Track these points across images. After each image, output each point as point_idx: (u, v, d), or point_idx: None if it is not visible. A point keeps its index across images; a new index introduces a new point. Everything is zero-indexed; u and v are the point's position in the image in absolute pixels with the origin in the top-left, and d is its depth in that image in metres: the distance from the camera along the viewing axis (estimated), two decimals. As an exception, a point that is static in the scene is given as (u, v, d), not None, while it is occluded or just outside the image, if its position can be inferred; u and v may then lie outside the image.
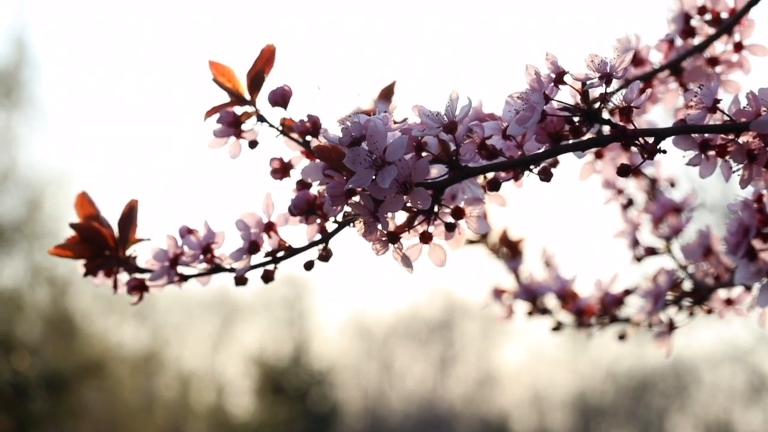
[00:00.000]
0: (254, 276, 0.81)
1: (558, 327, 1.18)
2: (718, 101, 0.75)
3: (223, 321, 13.21)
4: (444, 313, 15.08)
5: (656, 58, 0.99)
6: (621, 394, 14.18)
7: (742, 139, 0.76)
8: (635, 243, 1.12)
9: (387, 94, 1.02)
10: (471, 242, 1.27)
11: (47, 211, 9.35)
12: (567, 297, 1.17)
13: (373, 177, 0.71)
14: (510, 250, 1.26)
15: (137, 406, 11.02)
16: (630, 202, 1.15)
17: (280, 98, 0.81)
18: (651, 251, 1.11)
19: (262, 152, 0.84)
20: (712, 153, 0.76)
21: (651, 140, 0.75)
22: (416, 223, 0.75)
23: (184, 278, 0.82)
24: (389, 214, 0.74)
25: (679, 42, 0.98)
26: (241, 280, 0.80)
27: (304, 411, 12.26)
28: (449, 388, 15.01)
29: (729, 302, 1.04)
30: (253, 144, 0.84)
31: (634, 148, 0.99)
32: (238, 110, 0.84)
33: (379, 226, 0.74)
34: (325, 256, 0.80)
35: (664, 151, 0.75)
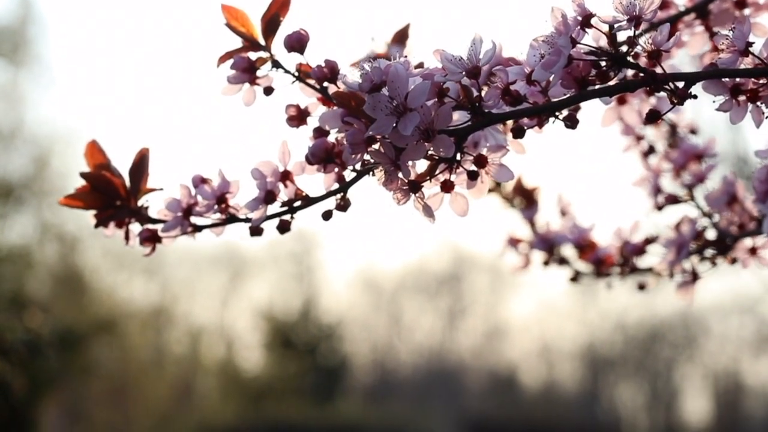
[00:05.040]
0: (267, 227, 0.78)
1: (576, 277, 1.15)
2: (750, 44, 0.72)
3: (231, 276, 13.25)
4: (452, 266, 15.11)
5: (682, 1, 0.96)
6: (630, 345, 14.23)
7: (774, 83, 0.73)
8: (657, 191, 1.08)
9: (401, 37, 0.99)
10: None
11: (55, 169, 9.34)
12: (585, 246, 1.14)
13: (395, 124, 0.69)
14: (525, 200, 1.23)
15: (148, 361, 11.09)
16: (651, 150, 1.10)
17: (297, 43, 0.78)
18: (673, 199, 1.07)
19: (277, 99, 0.81)
20: (743, 98, 0.74)
21: (681, 85, 0.72)
22: (438, 171, 0.73)
23: (197, 228, 0.79)
24: (410, 163, 0.72)
25: (706, -17, 0.95)
26: (256, 231, 0.77)
27: (314, 365, 12.36)
28: (458, 341, 15.07)
29: (753, 251, 1.01)
30: (268, 90, 0.81)
31: (659, 94, 0.96)
32: (253, 56, 0.81)
33: (401, 175, 0.72)
34: (343, 205, 0.77)
35: (695, 96, 0.72)
